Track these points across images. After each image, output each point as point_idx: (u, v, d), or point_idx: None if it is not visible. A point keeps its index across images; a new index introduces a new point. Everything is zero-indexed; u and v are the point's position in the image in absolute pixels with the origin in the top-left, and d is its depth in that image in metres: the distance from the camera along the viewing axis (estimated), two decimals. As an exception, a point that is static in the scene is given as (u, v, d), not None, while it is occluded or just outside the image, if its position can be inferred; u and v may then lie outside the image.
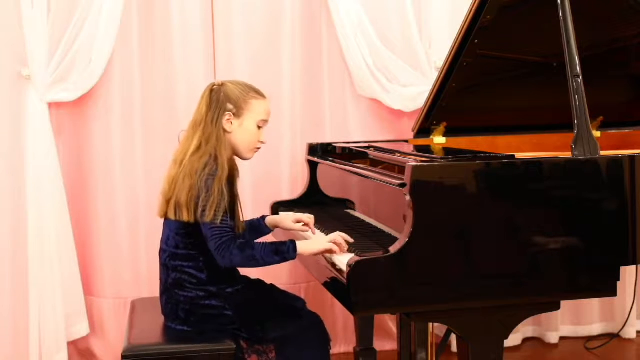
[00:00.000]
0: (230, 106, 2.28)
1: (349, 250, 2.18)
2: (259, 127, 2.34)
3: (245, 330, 2.28)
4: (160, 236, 2.38)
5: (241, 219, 2.40)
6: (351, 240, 2.18)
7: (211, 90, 2.31)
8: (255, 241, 2.23)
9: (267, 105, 2.36)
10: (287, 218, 2.54)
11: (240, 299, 2.29)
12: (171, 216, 2.27)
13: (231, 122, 2.29)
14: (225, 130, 2.29)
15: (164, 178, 2.33)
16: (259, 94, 2.35)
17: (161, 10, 3.29)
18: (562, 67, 2.19)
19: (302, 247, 2.18)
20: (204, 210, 2.17)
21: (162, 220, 2.40)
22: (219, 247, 2.16)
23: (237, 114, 2.29)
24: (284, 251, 2.17)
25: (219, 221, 2.17)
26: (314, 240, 2.23)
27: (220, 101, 2.28)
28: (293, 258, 2.19)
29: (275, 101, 3.36)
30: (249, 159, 2.39)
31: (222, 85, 2.32)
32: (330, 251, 2.16)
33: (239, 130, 2.31)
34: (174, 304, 2.28)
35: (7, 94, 3.16)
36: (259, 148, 2.38)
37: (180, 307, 2.27)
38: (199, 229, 2.23)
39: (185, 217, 2.22)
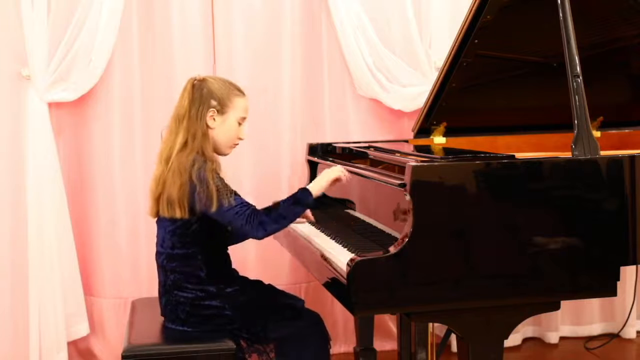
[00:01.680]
0: (214, 102, 2.30)
1: (350, 250, 2.20)
2: (239, 124, 2.36)
3: (245, 330, 2.29)
4: (160, 237, 2.39)
5: None
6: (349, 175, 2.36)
7: (193, 85, 2.31)
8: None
9: (247, 103, 2.38)
10: None
11: (240, 299, 2.29)
12: (163, 213, 2.27)
13: (214, 119, 2.30)
14: (207, 126, 2.30)
15: (151, 178, 2.33)
16: (240, 91, 2.37)
17: (161, 10, 3.28)
18: (562, 67, 2.19)
19: (313, 187, 2.30)
20: (207, 200, 2.17)
21: (161, 220, 2.40)
22: (248, 222, 2.18)
23: (221, 111, 2.31)
24: (302, 199, 2.28)
25: (232, 201, 2.18)
26: (320, 178, 2.34)
27: (203, 97, 2.29)
28: (312, 203, 2.29)
29: (275, 101, 3.39)
30: (226, 155, 2.40)
31: (203, 80, 2.32)
32: (339, 179, 2.33)
33: (222, 126, 2.32)
34: (173, 305, 2.28)
35: (7, 94, 3.16)
36: (237, 144, 2.39)
37: (180, 308, 2.27)
38: (194, 225, 2.24)
39: (178, 214, 2.22)
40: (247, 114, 2.37)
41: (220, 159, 2.35)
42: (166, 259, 2.30)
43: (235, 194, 2.22)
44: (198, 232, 2.25)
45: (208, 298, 2.26)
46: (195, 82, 2.31)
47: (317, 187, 2.30)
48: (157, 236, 2.34)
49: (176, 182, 2.21)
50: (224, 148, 2.35)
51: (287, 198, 2.28)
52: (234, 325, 2.27)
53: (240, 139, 2.37)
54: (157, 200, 2.29)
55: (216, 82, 2.33)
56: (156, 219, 2.35)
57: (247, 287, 2.36)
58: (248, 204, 2.22)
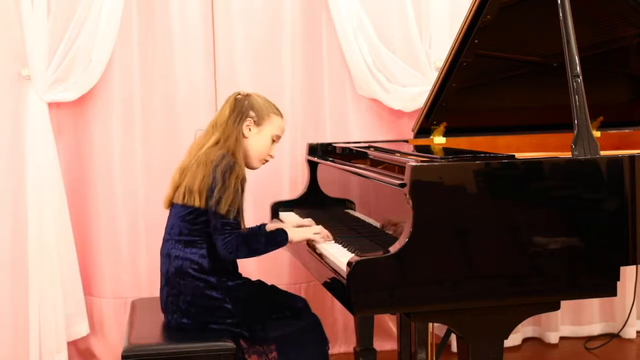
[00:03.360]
0: (252, 113, 2.40)
1: (350, 250, 2.20)
2: (273, 141, 2.45)
3: (245, 328, 2.29)
4: (161, 235, 2.39)
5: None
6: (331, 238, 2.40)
7: (236, 98, 2.42)
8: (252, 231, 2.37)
9: (283, 124, 2.48)
10: (287, 225, 2.54)
11: (241, 294, 2.31)
12: (178, 200, 2.32)
13: (250, 129, 2.40)
14: (243, 135, 2.38)
15: (175, 169, 2.39)
16: (280, 112, 2.47)
17: (161, 10, 3.28)
18: (562, 67, 2.19)
19: (293, 235, 2.38)
20: (218, 202, 2.22)
21: (161, 220, 2.41)
22: (228, 243, 2.24)
23: (258, 123, 2.41)
24: (281, 243, 2.37)
25: (231, 217, 2.24)
26: (301, 230, 2.44)
27: (244, 108, 2.40)
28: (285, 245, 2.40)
29: (275, 101, 3.37)
30: (255, 169, 2.47)
31: (247, 95, 2.43)
32: (315, 240, 2.37)
33: (256, 137, 2.41)
34: (174, 295, 2.29)
35: (7, 94, 3.16)
36: (267, 160, 2.48)
37: (181, 298, 2.28)
38: (205, 215, 2.27)
39: (197, 202, 2.28)
40: (282, 133, 2.48)
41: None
42: (172, 246, 2.32)
43: (238, 211, 2.28)
44: (206, 222, 2.28)
45: (209, 288, 2.28)
46: (239, 96, 2.43)
47: (297, 237, 2.38)
48: (167, 223, 2.38)
49: (199, 172, 2.28)
50: (254, 160, 2.44)
51: (271, 238, 2.34)
52: (235, 319, 2.28)
53: (271, 156, 2.47)
54: (176, 190, 2.35)
55: (259, 98, 2.45)
56: (168, 209, 2.40)
57: (248, 284, 2.38)
58: (238, 228, 2.28)
